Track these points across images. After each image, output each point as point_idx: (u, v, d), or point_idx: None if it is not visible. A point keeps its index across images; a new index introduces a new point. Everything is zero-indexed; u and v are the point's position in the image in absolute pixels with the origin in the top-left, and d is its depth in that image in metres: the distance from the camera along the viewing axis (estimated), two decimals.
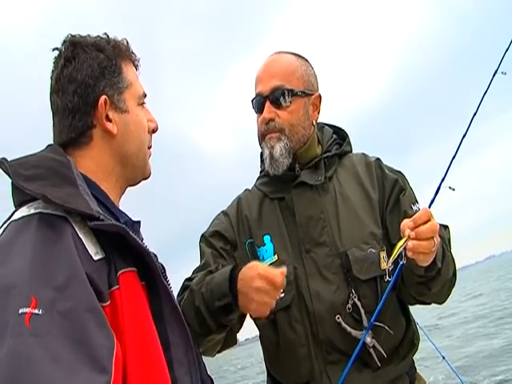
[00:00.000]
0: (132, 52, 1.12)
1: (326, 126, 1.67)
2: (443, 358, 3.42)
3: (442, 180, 1.38)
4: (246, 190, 1.68)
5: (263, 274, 1.19)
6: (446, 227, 1.46)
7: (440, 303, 1.50)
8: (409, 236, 1.17)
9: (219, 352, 1.50)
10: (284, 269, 1.21)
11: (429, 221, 1.17)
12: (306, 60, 1.58)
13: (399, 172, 1.57)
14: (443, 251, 1.33)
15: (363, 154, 1.64)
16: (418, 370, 1.57)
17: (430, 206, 1.37)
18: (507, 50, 1.62)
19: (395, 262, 1.42)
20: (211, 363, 1.16)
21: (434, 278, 1.32)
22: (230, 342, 1.49)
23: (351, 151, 1.64)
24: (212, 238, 1.55)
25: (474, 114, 1.54)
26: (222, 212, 1.64)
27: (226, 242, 1.54)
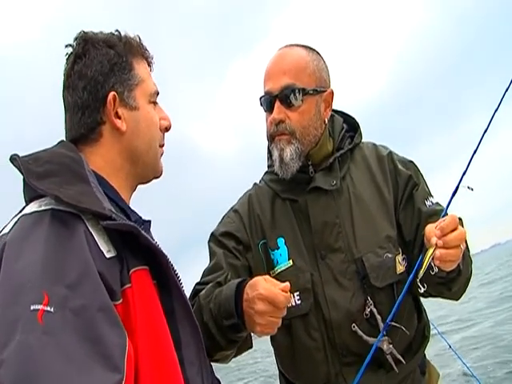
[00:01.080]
0: (145, 49, 1.10)
1: (336, 115, 1.59)
2: (450, 346, 3.44)
3: (461, 180, 1.31)
4: (254, 184, 1.62)
5: (263, 295, 1.11)
6: (459, 219, 1.39)
7: (456, 299, 1.47)
8: (436, 244, 1.13)
9: (235, 357, 1.44)
10: (287, 284, 1.13)
11: (456, 228, 1.13)
12: (318, 53, 1.50)
13: (411, 162, 1.52)
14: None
15: (374, 144, 1.59)
16: (427, 357, 1.55)
17: (447, 207, 1.32)
18: None
19: (410, 261, 1.40)
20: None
21: (454, 279, 1.29)
22: (246, 346, 1.41)
23: (361, 141, 1.58)
24: (223, 238, 1.49)
25: (498, 106, 1.44)
26: (233, 209, 1.57)
27: (238, 242, 1.48)
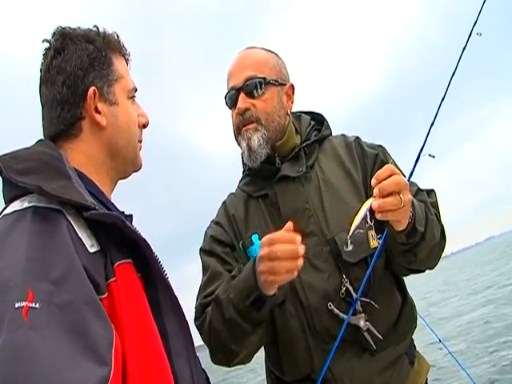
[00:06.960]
0: (123, 46, 1.11)
1: (303, 114, 1.66)
2: (440, 340, 3.43)
3: (422, 148, 1.37)
4: (230, 194, 1.67)
5: (263, 242, 1.20)
6: (431, 191, 1.48)
7: (431, 268, 1.50)
8: (373, 196, 1.16)
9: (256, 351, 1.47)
10: (289, 224, 1.20)
11: (391, 176, 1.17)
12: (276, 54, 1.58)
13: (380, 146, 1.57)
14: (426, 215, 1.33)
15: (343, 135, 1.64)
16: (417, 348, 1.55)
17: (411, 175, 1.36)
18: (482, 9, 1.57)
19: (382, 230, 1.40)
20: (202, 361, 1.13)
21: (418, 244, 1.32)
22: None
23: (331, 134, 1.64)
24: (210, 246, 1.54)
25: (453, 75, 1.53)
26: (212, 221, 1.63)
27: (224, 245, 1.52)
